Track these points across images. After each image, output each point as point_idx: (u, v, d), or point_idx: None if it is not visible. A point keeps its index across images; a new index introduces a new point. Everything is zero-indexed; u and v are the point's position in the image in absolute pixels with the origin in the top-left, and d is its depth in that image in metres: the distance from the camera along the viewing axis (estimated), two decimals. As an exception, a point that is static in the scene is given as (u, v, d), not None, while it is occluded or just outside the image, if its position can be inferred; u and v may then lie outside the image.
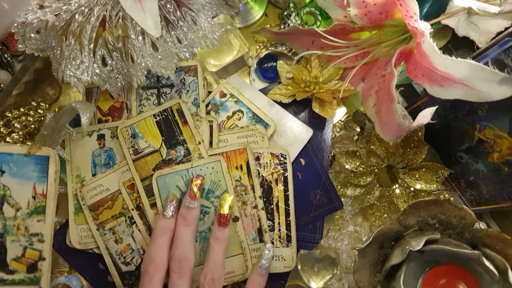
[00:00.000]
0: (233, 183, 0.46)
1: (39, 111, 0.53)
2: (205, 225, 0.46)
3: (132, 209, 0.48)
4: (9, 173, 0.29)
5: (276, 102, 0.50)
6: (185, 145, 0.48)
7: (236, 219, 0.46)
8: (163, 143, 0.48)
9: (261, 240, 0.46)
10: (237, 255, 0.46)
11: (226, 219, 0.43)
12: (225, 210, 0.43)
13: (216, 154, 0.47)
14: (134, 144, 0.48)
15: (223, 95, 0.51)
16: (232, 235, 0.45)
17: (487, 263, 0.36)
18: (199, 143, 0.48)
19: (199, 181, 0.44)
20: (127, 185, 0.48)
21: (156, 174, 0.47)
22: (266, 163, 0.47)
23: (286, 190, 0.47)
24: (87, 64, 0.45)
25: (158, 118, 0.49)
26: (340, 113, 0.54)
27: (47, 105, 0.55)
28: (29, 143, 0.51)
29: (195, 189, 0.43)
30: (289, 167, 0.47)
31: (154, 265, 0.40)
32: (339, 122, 0.54)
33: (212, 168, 0.46)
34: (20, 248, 0.30)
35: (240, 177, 0.47)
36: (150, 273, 0.40)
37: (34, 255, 0.30)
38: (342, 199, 0.49)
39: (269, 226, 0.47)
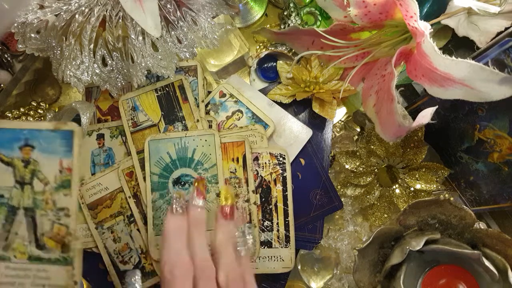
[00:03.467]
0: (229, 175, 0.47)
1: (39, 111, 0.53)
2: (189, 195, 0.46)
3: (129, 197, 0.48)
4: (39, 148, 0.30)
5: (276, 102, 0.50)
6: (183, 122, 0.48)
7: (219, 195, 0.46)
8: (162, 118, 0.49)
9: None
10: None
11: (231, 211, 0.38)
12: (223, 201, 0.39)
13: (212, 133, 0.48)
14: (133, 116, 0.49)
15: (222, 95, 0.51)
16: (216, 210, 0.46)
17: (487, 263, 0.36)
18: (198, 121, 0.48)
19: (202, 182, 0.41)
20: (126, 173, 0.49)
21: (150, 137, 0.47)
22: (265, 163, 0.47)
23: (284, 190, 0.47)
24: (87, 64, 0.45)
25: (159, 93, 0.50)
26: (340, 113, 0.54)
27: (47, 105, 0.55)
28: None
29: (201, 187, 0.40)
30: (288, 168, 0.47)
31: (181, 268, 0.34)
32: (339, 122, 0.54)
33: (205, 140, 0.47)
34: (49, 223, 0.31)
35: (235, 169, 0.47)
36: (180, 277, 0.33)
37: (62, 230, 0.31)
38: (342, 199, 0.49)
39: (267, 227, 0.47)
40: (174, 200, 0.39)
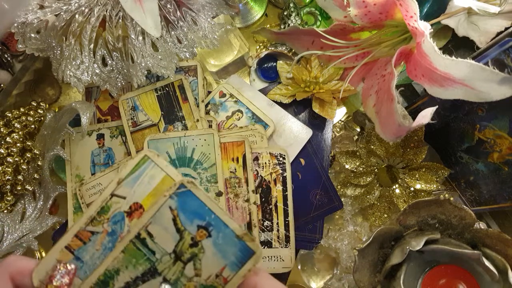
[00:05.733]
0: (229, 175, 0.47)
1: (39, 111, 0.53)
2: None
3: None
4: (214, 241, 0.29)
5: (276, 102, 0.50)
6: (183, 122, 0.48)
7: (219, 194, 0.46)
8: (162, 118, 0.49)
9: None
10: None
11: None
12: None
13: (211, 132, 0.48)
14: (133, 116, 0.49)
15: (222, 95, 0.51)
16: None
17: (487, 263, 0.36)
18: (197, 120, 0.48)
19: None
20: None
21: (149, 137, 0.47)
22: (265, 163, 0.47)
23: (284, 190, 0.47)
24: (87, 64, 0.45)
25: (159, 92, 0.50)
26: (340, 113, 0.54)
27: (47, 105, 0.55)
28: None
29: None
30: (288, 167, 0.47)
31: None
32: (339, 122, 0.54)
33: (204, 140, 0.47)
34: None
35: (235, 169, 0.47)
36: None
37: None
38: (342, 199, 0.49)
39: (267, 227, 0.47)
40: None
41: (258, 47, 0.57)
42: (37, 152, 0.50)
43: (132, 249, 0.29)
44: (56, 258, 0.30)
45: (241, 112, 0.50)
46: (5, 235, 0.49)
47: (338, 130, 0.54)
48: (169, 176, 0.30)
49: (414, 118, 0.37)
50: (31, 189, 0.50)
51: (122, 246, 0.29)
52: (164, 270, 0.29)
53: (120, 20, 0.43)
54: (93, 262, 0.30)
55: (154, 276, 0.29)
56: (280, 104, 0.50)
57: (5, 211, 0.50)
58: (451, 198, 0.39)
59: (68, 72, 0.44)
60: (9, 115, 0.52)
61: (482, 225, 0.40)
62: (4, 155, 0.49)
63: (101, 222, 0.30)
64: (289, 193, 0.47)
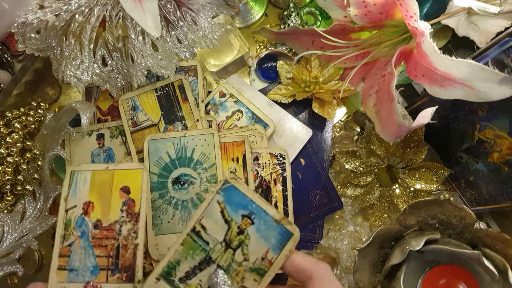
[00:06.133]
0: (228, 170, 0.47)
1: (39, 111, 0.53)
2: (188, 194, 0.46)
3: None
4: (257, 227, 0.33)
5: (276, 102, 0.50)
6: (183, 122, 0.49)
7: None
8: (162, 118, 0.49)
9: None
10: None
11: None
12: None
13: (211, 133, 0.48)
14: (133, 116, 0.49)
15: (222, 95, 0.51)
16: None
17: (487, 263, 0.36)
18: (197, 120, 0.48)
19: None
20: None
21: (149, 137, 0.47)
22: (265, 163, 0.47)
23: (284, 190, 0.47)
24: (87, 64, 0.45)
25: (159, 92, 0.50)
26: (340, 113, 0.54)
27: (47, 105, 0.55)
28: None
29: None
30: (288, 168, 0.47)
31: None
32: (339, 122, 0.54)
33: (205, 140, 0.47)
34: None
35: (235, 169, 0.47)
36: None
37: None
38: (342, 199, 0.49)
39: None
40: None
41: (258, 47, 0.57)
42: (37, 152, 0.50)
43: (189, 241, 0.33)
44: (57, 281, 0.34)
45: (241, 112, 0.50)
46: (5, 235, 0.49)
47: (338, 130, 0.54)
48: (95, 170, 0.36)
49: (414, 118, 0.37)
50: (31, 189, 0.50)
51: (181, 240, 0.33)
52: (217, 258, 0.33)
53: (120, 20, 0.43)
54: (83, 264, 0.35)
55: (209, 264, 0.33)
56: (280, 104, 0.50)
57: (5, 211, 0.50)
58: (451, 198, 0.39)
59: (68, 72, 0.44)
60: (9, 115, 0.52)
61: (482, 225, 0.40)
62: (4, 155, 0.49)
63: (70, 234, 0.35)
64: (289, 193, 0.47)
